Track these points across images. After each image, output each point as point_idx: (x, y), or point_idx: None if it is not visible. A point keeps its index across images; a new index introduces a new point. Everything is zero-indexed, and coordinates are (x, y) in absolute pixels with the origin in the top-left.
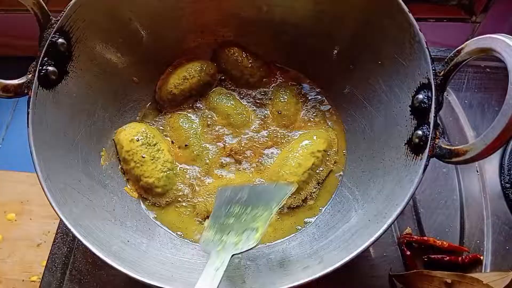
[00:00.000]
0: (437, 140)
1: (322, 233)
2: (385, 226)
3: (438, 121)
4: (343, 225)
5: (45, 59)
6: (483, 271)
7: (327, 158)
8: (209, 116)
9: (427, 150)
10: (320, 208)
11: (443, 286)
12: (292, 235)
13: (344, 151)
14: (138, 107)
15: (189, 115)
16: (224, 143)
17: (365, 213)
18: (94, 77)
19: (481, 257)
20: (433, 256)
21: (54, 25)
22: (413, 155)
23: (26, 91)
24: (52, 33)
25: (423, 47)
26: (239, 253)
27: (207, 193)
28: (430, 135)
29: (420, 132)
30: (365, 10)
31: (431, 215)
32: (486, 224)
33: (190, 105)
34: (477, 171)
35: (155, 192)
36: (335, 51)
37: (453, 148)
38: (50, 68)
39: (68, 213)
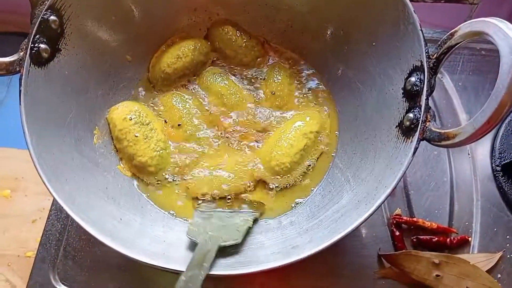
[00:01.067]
0: (427, 123)
1: (313, 213)
2: (374, 207)
3: (430, 104)
4: (333, 206)
5: (37, 36)
6: (470, 252)
7: (320, 140)
8: (203, 95)
9: (417, 133)
10: (312, 189)
11: (431, 266)
12: (283, 214)
13: (336, 132)
14: (131, 85)
15: (182, 94)
16: (217, 123)
17: (355, 194)
18: (86, 55)
19: (469, 239)
20: (422, 237)
21: (46, 2)
22: (403, 137)
23: (18, 68)
24: (43, 10)
25: (417, 29)
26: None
27: (200, 172)
28: (421, 118)
29: (411, 115)
30: None
31: (421, 196)
32: (476, 206)
33: (184, 84)
34: (469, 154)
35: (148, 171)
36: (329, 32)
37: (442, 131)
38: (42, 45)
39: (61, 191)
